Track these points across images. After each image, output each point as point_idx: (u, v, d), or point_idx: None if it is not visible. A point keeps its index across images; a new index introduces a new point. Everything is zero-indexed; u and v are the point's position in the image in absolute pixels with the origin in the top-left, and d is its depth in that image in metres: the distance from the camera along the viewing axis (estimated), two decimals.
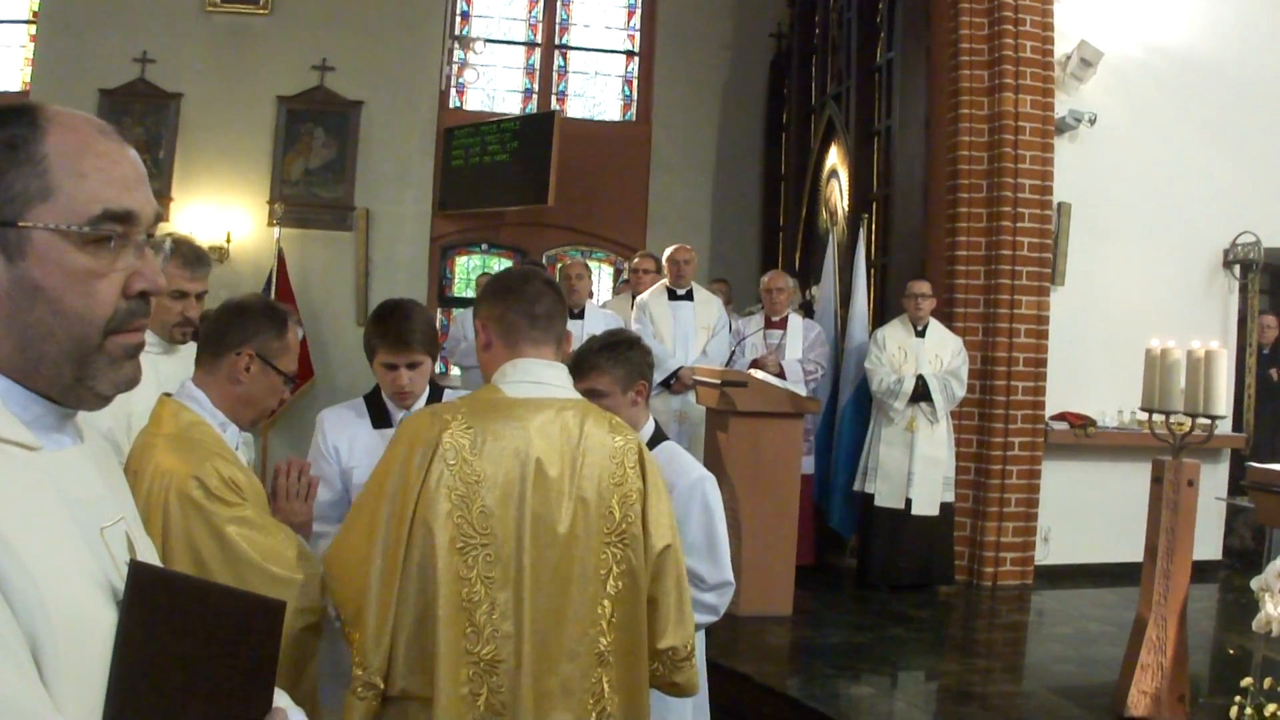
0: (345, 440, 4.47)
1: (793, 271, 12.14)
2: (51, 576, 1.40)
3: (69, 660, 1.40)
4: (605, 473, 3.17)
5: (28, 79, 13.90)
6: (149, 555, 1.75)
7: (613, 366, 4.21)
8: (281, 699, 1.80)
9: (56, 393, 1.56)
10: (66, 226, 1.50)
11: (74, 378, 1.55)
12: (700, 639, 3.94)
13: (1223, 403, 6.18)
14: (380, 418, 4.52)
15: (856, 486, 9.73)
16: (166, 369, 4.53)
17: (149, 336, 4.41)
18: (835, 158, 12.17)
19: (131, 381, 1.63)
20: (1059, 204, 10.05)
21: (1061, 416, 10.09)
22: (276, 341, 3.50)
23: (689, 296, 9.82)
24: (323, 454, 4.47)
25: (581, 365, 4.17)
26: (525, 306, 3.28)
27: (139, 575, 1.56)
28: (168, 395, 3.52)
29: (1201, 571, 9.72)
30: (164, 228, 12.77)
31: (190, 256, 4.60)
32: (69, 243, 1.50)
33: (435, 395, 4.53)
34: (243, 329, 3.46)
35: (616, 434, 3.26)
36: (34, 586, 1.36)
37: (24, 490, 1.44)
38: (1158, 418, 6.35)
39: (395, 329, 4.31)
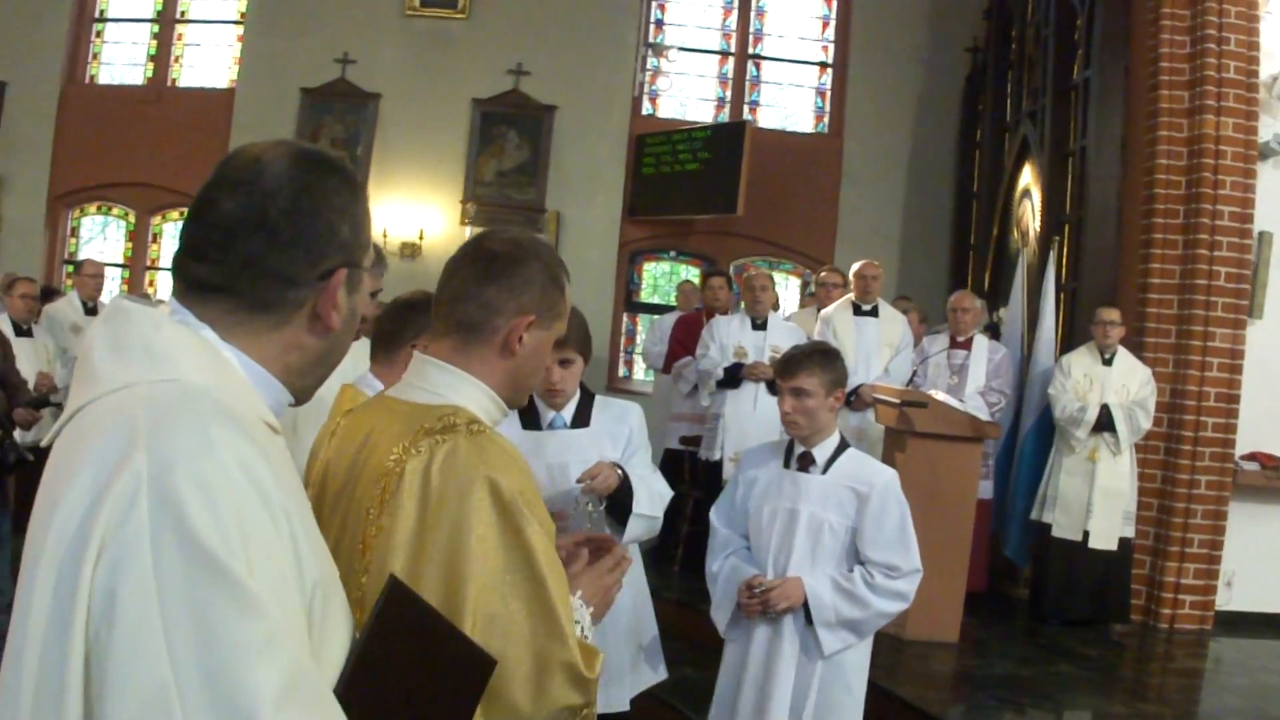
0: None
1: (981, 292, 11.97)
2: (315, 542, 1.66)
3: (329, 621, 1.64)
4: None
5: (234, 77, 14.32)
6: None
7: (822, 370, 4.53)
8: None
9: (305, 392, 1.87)
10: (363, 271, 1.85)
11: (319, 381, 1.90)
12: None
13: None
14: (529, 418, 4.51)
15: (1034, 515, 9.51)
16: (348, 366, 4.64)
17: None
18: (1029, 177, 11.94)
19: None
20: (1260, 233, 9.69)
21: (1253, 456, 9.74)
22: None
23: (874, 313, 9.71)
24: None
25: (792, 365, 4.56)
26: None
27: (396, 588, 1.80)
28: (348, 385, 3.77)
29: None
30: None
31: (376, 255, 4.69)
32: (359, 280, 1.85)
33: (587, 399, 4.59)
34: (415, 323, 3.71)
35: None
36: (312, 549, 1.61)
37: (284, 465, 1.64)
38: None
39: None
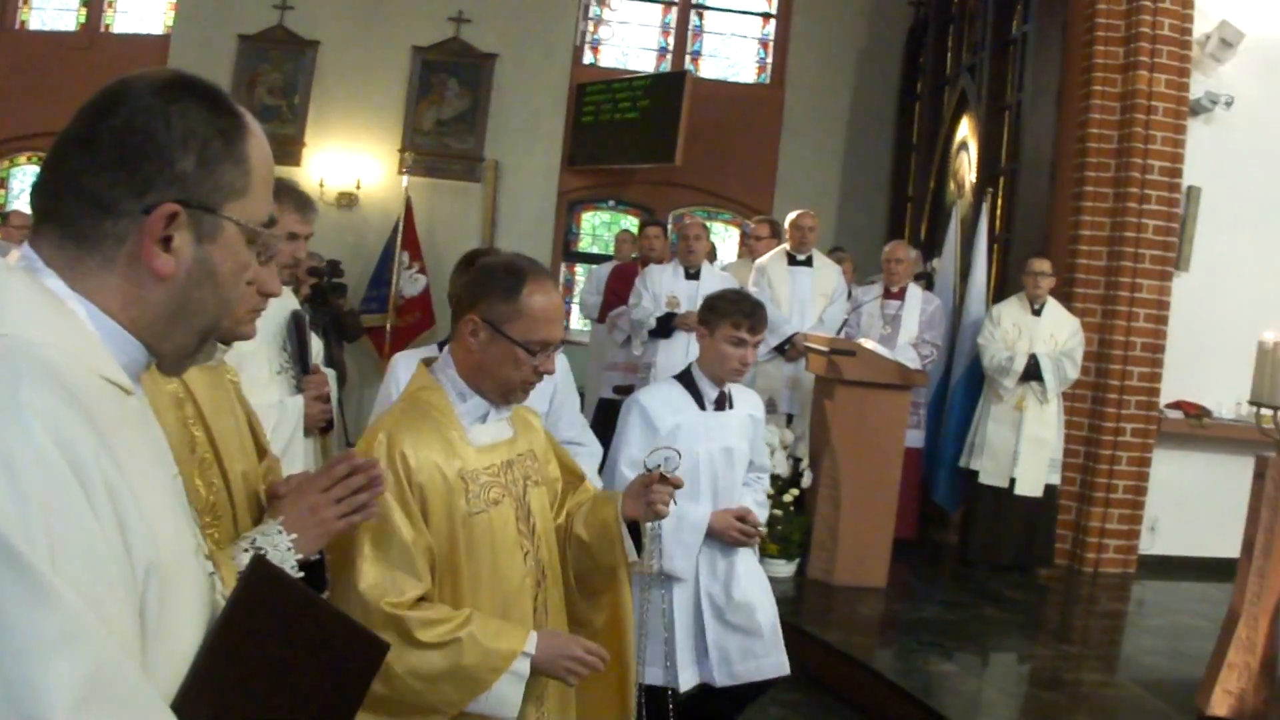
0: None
1: (917, 243, 12.08)
2: (161, 518, 1.47)
3: (171, 608, 1.46)
4: None
5: (169, 23, 14.17)
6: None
7: None
8: None
9: (171, 358, 1.67)
10: (247, 225, 1.65)
11: (193, 350, 1.69)
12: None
13: None
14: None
15: (962, 463, 9.66)
16: (271, 309, 4.64)
17: None
18: (966, 130, 12.02)
19: (209, 359, 1.86)
20: (1188, 188, 9.82)
21: (1177, 405, 9.90)
22: (504, 305, 3.11)
23: (808, 263, 9.76)
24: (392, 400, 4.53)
25: (759, 319, 4.92)
26: None
27: (259, 568, 1.66)
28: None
29: None
30: (295, 174, 13.08)
31: (302, 200, 4.72)
32: (244, 237, 1.65)
33: None
34: (473, 291, 3.21)
35: None
36: (150, 529, 1.42)
37: (130, 430, 1.49)
38: (1265, 412, 6.21)
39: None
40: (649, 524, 3.50)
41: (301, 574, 2.20)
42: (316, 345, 5.01)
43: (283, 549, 2.22)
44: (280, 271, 4.71)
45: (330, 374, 5.00)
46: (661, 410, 4.84)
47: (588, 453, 5.05)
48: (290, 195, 4.65)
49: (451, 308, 4.35)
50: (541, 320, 3.11)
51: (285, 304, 4.79)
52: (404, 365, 4.66)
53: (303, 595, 1.73)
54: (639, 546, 3.48)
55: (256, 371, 4.51)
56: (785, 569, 8.31)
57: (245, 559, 2.05)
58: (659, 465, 3.49)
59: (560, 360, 4.82)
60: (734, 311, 4.85)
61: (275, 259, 1.78)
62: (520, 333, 3.09)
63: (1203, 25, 9.77)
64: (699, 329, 5.10)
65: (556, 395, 4.94)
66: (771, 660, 5.02)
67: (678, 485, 3.48)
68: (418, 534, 3.00)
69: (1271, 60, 10.01)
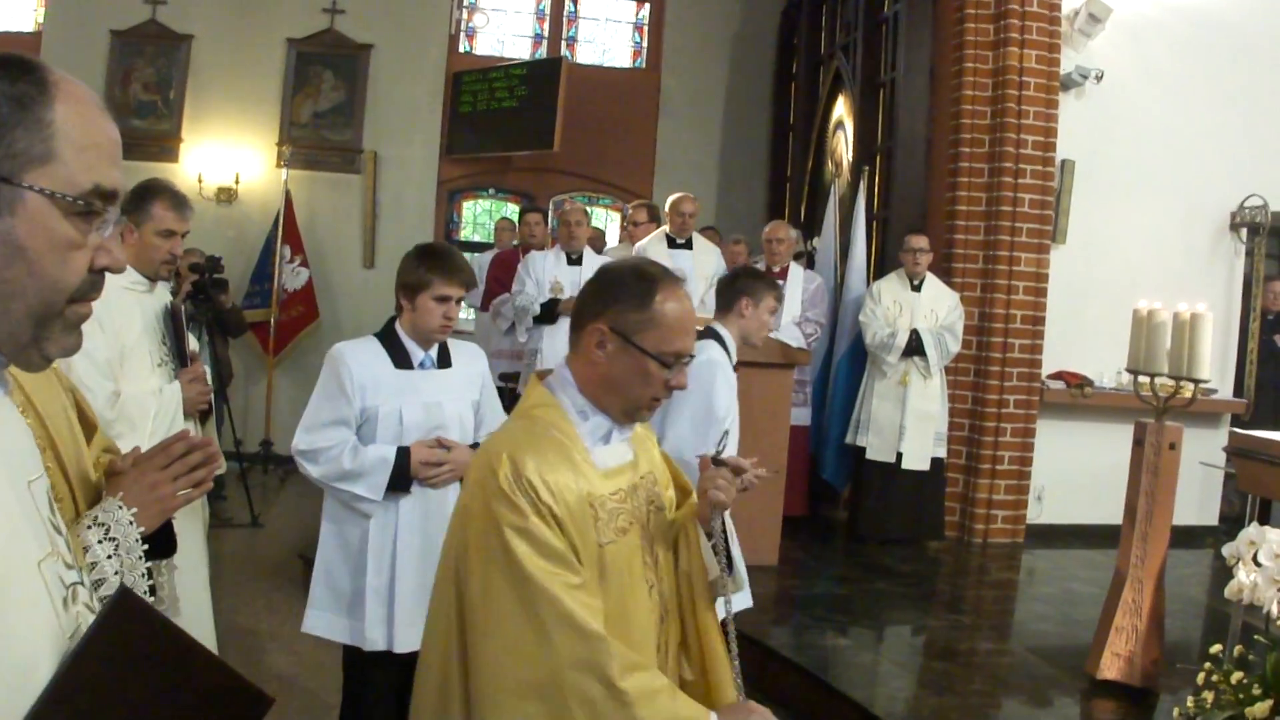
0: (370, 378, 4.56)
1: (797, 223, 12.13)
2: None
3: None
4: None
5: (40, 20, 13.85)
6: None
7: None
8: None
9: (8, 349, 1.58)
10: (61, 195, 1.52)
11: (31, 338, 1.56)
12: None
13: (1206, 366, 6.12)
14: (401, 358, 4.64)
15: (849, 439, 9.73)
16: (150, 304, 4.86)
17: (133, 275, 4.62)
18: (842, 109, 12.11)
19: (75, 348, 1.66)
20: (1062, 161, 9.97)
21: (1059, 376, 10.05)
22: (638, 313, 2.88)
23: (688, 245, 9.79)
24: (344, 391, 4.53)
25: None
26: None
27: (124, 601, 1.54)
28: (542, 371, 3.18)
29: (1196, 538, 9.76)
30: (173, 170, 12.88)
31: (177, 198, 4.85)
32: (58, 210, 1.52)
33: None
34: (599, 299, 2.96)
35: None
36: None
37: None
38: (1143, 379, 6.31)
39: (452, 263, 4.58)
40: (715, 522, 3.07)
41: (145, 546, 2.18)
42: (192, 339, 5.14)
43: (125, 523, 2.16)
44: (158, 268, 4.77)
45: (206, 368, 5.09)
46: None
47: None
48: (164, 193, 4.79)
49: (397, 298, 4.60)
50: (676, 330, 2.88)
51: (160, 298, 4.93)
52: (352, 354, 4.58)
53: (174, 636, 1.62)
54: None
55: (138, 364, 4.63)
56: None
57: (91, 536, 2.04)
58: (719, 449, 3.24)
59: (481, 352, 5.08)
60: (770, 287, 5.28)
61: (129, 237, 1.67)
62: (653, 344, 2.86)
63: (1071, 1, 9.92)
64: (745, 301, 5.69)
65: (486, 387, 4.97)
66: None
67: (738, 469, 3.12)
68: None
69: (1139, 33, 10.21)
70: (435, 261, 4.56)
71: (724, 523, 3.08)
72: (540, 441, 2.80)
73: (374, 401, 4.56)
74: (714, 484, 3.04)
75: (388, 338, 4.67)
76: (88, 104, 1.58)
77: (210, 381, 5.02)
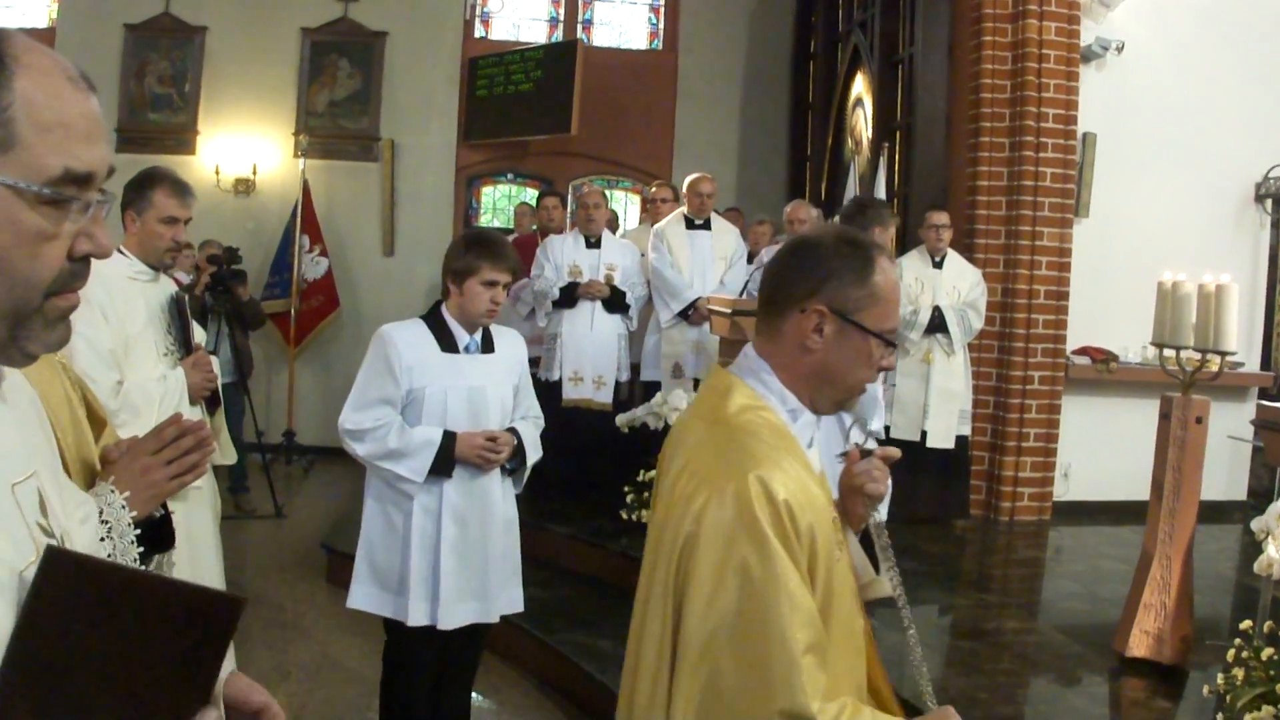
0: (418, 360, 4.74)
1: (818, 201, 12.07)
2: None
3: None
4: None
5: (54, 15, 13.85)
6: (69, 513, 1.70)
7: None
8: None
9: None
10: (25, 185, 1.37)
11: (8, 337, 1.45)
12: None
13: (1233, 338, 6.03)
14: (447, 341, 4.81)
15: None
16: (155, 294, 4.86)
17: (137, 264, 4.59)
18: (861, 86, 12.03)
19: (63, 342, 1.53)
20: (1084, 134, 9.87)
21: (1083, 351, 9.96)
22: (859, 289, 2.55)
23: (706, 226, 9.72)
24: (391, 371, 4.71)
25: None
26: None
27: (52, 559, 1.44)
28: (717, 365, 2.86)
29: (1225, 513, 9.66)
30: (190, 162, 12.87)
31: (179, 185, 4.84)
32: (23, 201, 1.38)
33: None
34: (809, 275, 2.57)
35: None
36: None
37: None
38: (1168, 353, 6.23)
39: (499, 249, 4.75)
40: (873, 518, 2.85)
41: (138, 531, 2.16)
42: (199, 330, 5.20)
43: (116, 506, 2.14)
44: (163, 256, 4.77)
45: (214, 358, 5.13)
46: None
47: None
48: (164, 180, 4.81)
49: (444, 283, 4.78)
50: (894, 303, 2.59)
51: (165, 287, 4.94)
52: (400, 336, 4.77)
53: (117, 575, 1.53)
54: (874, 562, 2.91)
55: (144, 354, 4.67)
56: None
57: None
58: (865, 438, 2.90)
59: (520, 337, 5.24)
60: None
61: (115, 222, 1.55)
62: (876, 322, 2.54)
63: None
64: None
65: (524, 373, 5.17)
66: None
67: (891, 458, 2.86)
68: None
69: (1161, 4, 10.10)
70: (483, 248, 4.72)
71: (876, 518, 2.86)
72: (774, 453, 2.44)
73: (421, 383, 4.73)
74: (870, 477, 2.76)
75: (434, 321, 4.83)
76: (53, 77, 1.43)
77: (216, 369, 5.04)
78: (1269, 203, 10.62)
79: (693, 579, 2.36)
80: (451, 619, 4.81)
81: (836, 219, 9.24)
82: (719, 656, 2.31)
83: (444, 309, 4.83)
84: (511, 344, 5.06)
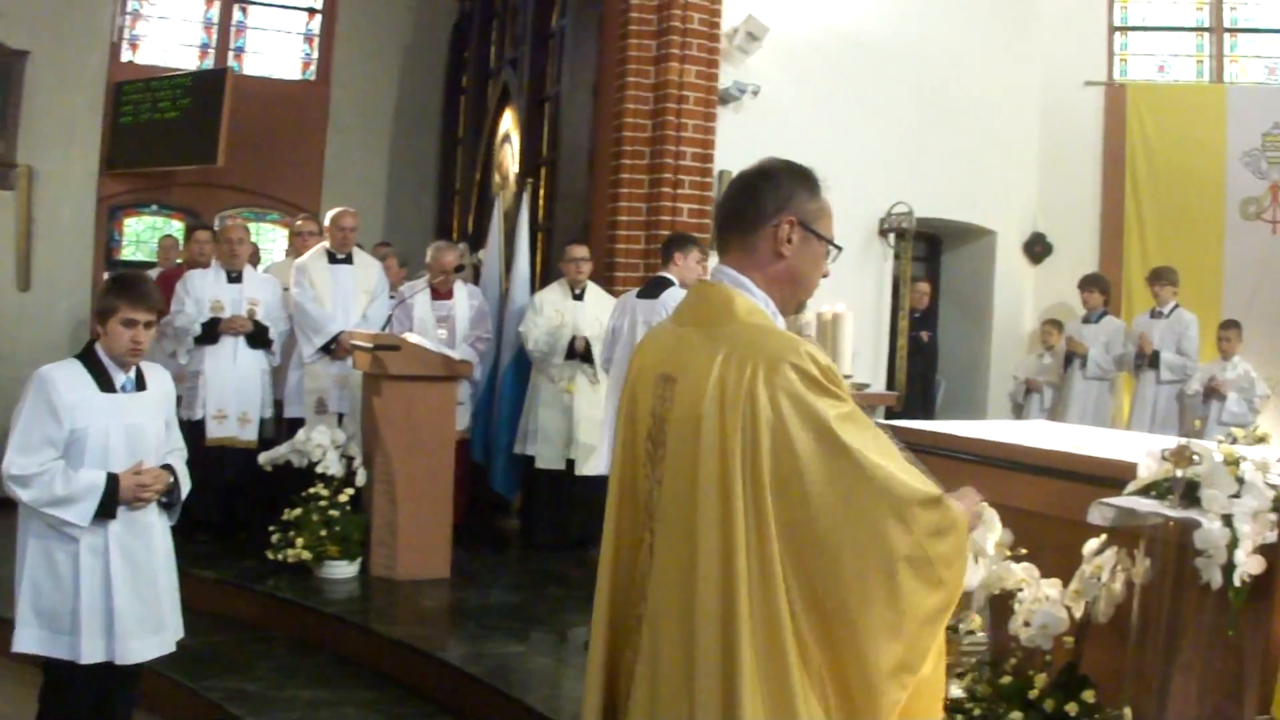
0: (79, 400, 4.76)
1: (464, 236, 12.20)
2: None
3: None
4: None
5: None
6: None
7: None
8: None
9: None
10: None
11: None
12: None
13: (847, 361, 6.47)
14: (104, 380, 4.84)
15: (517, 449, 9.75)
16: None
17: None
18: (509, 122, 12.20)
19: None
20: (720, 172, 10.23)
21: None
22: (813, 203, 3.00)
23: (349, 260, 9.69)
24: (54, 413, 4.70)
25: None
26: None
27: None
28: (704, 282, 3.21)
29: None
30: None
31: None
32: None
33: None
34: (778, 194, 2.98)
35: None
36: None
37: None
38: None
39: (138, 289, 4.83)
40: None
41: None
42: None
43: None
44: None
45: None
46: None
47: None
48: None
49: (94, 321, 4.89)
50: (832, 218, 3.02)
51: None
52: (60, 377, 4.78)
53: None
54: None
55: None
56: (348, 569, 8.24)
57: None
58: None
59: (168, 373, 5.40)
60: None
61: None
62: (827, 230, 3.01)
63: (731, 19, 10.27)
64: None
65: (172, 406, 5.40)
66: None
67: None
68: None
69: (793, 51, 10.68)
70: (121, 288, 4.82)
71: None
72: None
73: (84, 422, 4.75)
74: None
75: (90, 360, 4.87)
76: None
77: None
78: (891, 236, 11.40)
79: (782, 440, 2.67)
80: (134, 654, 4.86)
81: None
82: (853, 485, 2.65)
83: (98, 348, 4.88)
84: (161, 380, 5.16)
